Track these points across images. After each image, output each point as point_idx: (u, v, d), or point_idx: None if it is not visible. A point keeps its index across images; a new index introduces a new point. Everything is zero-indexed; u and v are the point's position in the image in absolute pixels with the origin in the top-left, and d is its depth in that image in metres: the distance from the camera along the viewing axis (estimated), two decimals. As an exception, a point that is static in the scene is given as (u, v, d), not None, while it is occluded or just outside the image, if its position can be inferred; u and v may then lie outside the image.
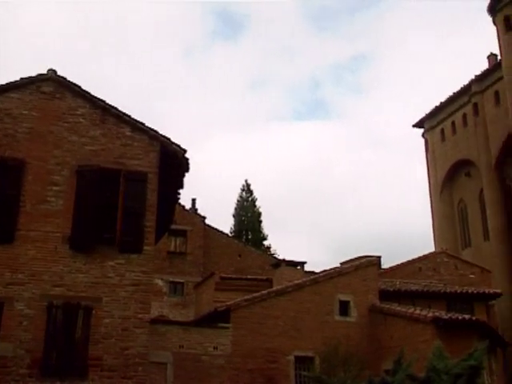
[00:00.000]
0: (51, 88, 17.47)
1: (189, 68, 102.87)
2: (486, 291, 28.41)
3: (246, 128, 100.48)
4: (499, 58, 38.16)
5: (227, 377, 20.20)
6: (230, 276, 28.69)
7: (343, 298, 22.86)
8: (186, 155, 17.68)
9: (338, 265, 27.71)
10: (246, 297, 22.05)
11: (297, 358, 21.35)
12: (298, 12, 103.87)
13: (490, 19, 37.30)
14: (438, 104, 45.66)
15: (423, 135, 48.21)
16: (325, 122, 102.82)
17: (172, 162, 17.68)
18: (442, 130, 45.61)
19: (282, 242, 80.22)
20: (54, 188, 16.67)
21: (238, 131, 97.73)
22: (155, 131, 17.62)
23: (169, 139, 17.62)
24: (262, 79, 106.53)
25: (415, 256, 31.27)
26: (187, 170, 18.07)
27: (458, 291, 27.20)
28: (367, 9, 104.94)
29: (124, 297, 16.12)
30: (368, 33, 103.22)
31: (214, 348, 20.36)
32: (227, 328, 20.82)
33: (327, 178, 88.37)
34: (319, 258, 73.41)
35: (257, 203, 48.15)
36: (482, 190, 41.00)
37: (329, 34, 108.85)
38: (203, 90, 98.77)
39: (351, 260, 26.98)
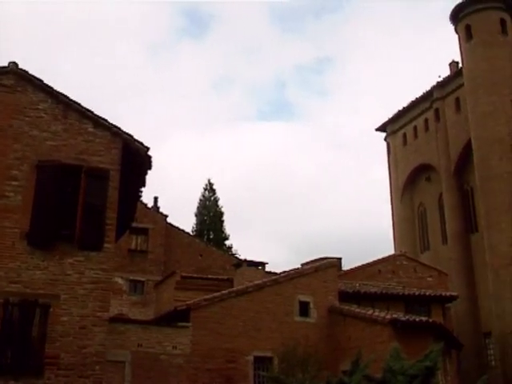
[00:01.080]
0: (12, 81, 17.13)
1: (154, 66, 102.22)
2: (443, 294, 28.90)
3: (210, 127, 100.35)
4: (460, 65, 38.88)
5: (186, 376, 20.13)
6: (190, 275, 28.57)
7: (303, 298, 22.99)
8: (149, 153, 17.53)
9: (299, 266, 27.88)
10: (206, 296, 22.00)
11: (256, 358, 21.39)
12: (264, 13, 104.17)
13: (452, 27, 37.98)
14: (400, 109, 46.36)
15: (385, 139, 48.84)
16: (289, 123, 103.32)
17: (134, 159, 17.52)
18: (404, 135, 46.28)
19: (244, 242, 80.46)
20: (13, 183, 16.36)
21: (202, 130, 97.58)
22: (118, 128, 17.43)
23: (131, 136, 17.45)
24: (227, 79, 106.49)
25: (375, 258, 31.66)
26: (149, 167, 17.93)
27: (416, 293, 27.62)
28: (333, 12, 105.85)
29: (83, 295, 15.90)
30: (333, 36, 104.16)
31: (173, 347, 20.26)
32: (187, 327, 20.75)
33: (290, 179, 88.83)
34: (281, 259, 73.85)
35: (219, 203, 48.09)
36: (441, 195, 41.72)
37: (294, 35, 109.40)
38: (168, 88, 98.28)
39: (312, 261, 27.17)
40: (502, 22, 36.08)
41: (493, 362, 34.40)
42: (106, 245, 16.50)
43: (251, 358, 21.34)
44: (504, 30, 35.96)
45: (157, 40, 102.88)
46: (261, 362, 21.39)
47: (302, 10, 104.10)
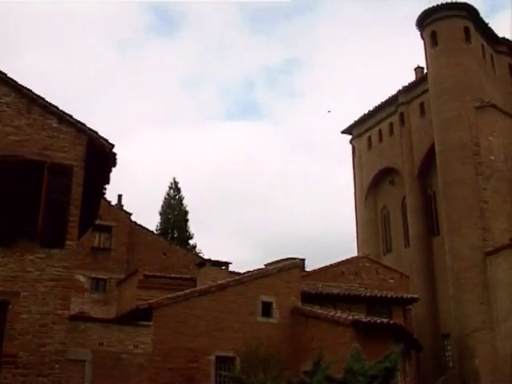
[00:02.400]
0: (-26, 74, 16.84)
1: (122, 63, 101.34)
2: (404, 296, 29.29)
3: (177, 125, 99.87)
4: (425, 71, 39.42)
5: (147, 376, 20.01)
6: (153, 274, 28.42)
7: (266, 299, 23.05)
8: (114, 150, 17.37)
9: (263, 266, 27.95)
10: (168, 295, 21.90)
11: (218, 358, 21.38)
12: (234, 13, 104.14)
13: (418, 33, 38.46)
14: (366, 112, 46.81)
15: (351, 142, 49.24)
16: (256, 124, 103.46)
17: (99, 156, 17.33)
18: (369, 138, 46.73)
19: (208, 241, 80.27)
20: (-26, 178, 16.05)
21: (169, 128, 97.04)
22: (83, 124, 17.23)
23: (96, 133, 17.27)
24: (195, 78, 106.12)
25: (339, 260, 31.94)
26: (114, 165, 17.77)
27: (378, 295, 27.95)
28: (303, 14, 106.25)
29: (43, 292, 15.66)
30: (303, 37, 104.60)
31: (135, 346, 20.13)
32: (149, 326, 20.63)
33: (256, 179, 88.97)
34: (245, 259, 73.75)
35: (184, 202, 47.97)
36: (404, 198, 42.25)
37: (264, 36, 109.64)
38: (136, 86, 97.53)
39: (275, 262, 27.27)
40: (466, 30, 36.65)
41: (450, 363, 34.97)
42: (68, 242, 16.28)
43: (213, 357, 21.32)
44: (468, 38, 36.56)
45: (126, 37, 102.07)
46: (223, 362, 21.38)
47: (272, 11, 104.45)
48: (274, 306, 23.11)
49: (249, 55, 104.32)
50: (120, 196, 36.98)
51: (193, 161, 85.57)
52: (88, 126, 17.28)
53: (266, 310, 22.98)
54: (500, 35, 39.74)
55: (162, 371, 20.34)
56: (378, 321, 21.75)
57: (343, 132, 49.83)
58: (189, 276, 28.35)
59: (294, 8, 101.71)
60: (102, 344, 19.60)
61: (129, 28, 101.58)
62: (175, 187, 48.18)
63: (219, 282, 23.32)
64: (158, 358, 20.38)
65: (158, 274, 29.02)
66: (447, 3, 36.99)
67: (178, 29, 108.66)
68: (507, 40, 40.00)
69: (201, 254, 41.03)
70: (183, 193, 48.38)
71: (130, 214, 35.34)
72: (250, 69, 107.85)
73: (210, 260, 27.86)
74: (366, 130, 47.05)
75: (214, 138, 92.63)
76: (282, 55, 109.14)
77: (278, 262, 27.09)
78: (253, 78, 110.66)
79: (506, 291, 30.11)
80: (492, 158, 34.48)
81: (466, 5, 36.99)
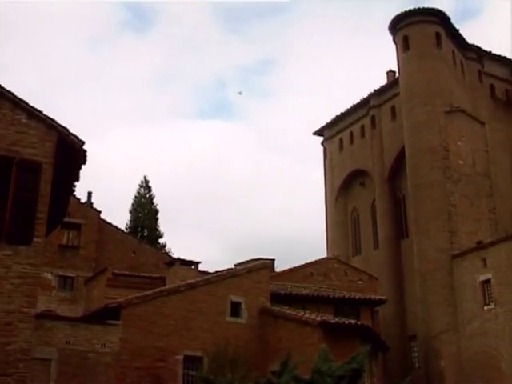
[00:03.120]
0: None
1: (94, 58, 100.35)
2: (372, 297, 29.58)
3: (149, 123, 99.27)
4: (397, 74, 39.80)
5: (113, 375, 19.86)
6: (122, 272, 28.22)
7: (235, 299, 23.07)
8: (84, 147, 17.22)
9: (233, 266, 27.96)
10: (137, 294, 21.78)
11: (186, 358, 21.34)
12: (208, 12, 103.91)
13: (390, 37, 38.81)
14: (338, 114, 47.08)
15: (322, 143, 49.49)
16: (228, 123, 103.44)
17: (69, 153, 17.16)
18: (341, 140, 47.02)
19: (179, 240, 79.80)
20: None
21: (140, 126, 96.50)
22: (53, 120, 17.03)
23: (67, 129, 17.09)
24: (168, 75, 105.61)
25: (308, 261, 32.07)
26: (84, 162, 17.60)
27: (346, 296, 28.17)
28: (276, 15, 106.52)
29: (9, 290, 15.45)
30: (276, 38, 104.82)
31: (102, 345, 19.96)
32: (116, 325, 20.48)
33: (228, 179, 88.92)
34: (216, 258, 73.74)
35: (154, 200, 47.70)
36: (374, 200, 42.61)
37: (238, 36, 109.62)
38: (108, 82, 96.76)
39: (245, 262, 27.31)
40: (438, 36, 37.09)
41: (416, 364, 35.37)
42: (35, 239, 16.09)
43: (181, 357, 21.27)
44: (439, 44, 37.00)
45: (98, 32, 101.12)
46: (191, 362, 21.34)
47: (245, 11, 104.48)
48: (243, 306, 23.14)
49: (222, 54, 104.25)
50: (90, 193, 36.67)
51: (164, 159, 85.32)
52: (58, 122, 17.10)
53: (235, 310, 23.00)
54: (470, 42, 40.30)
55: (130, 370, 20.22)
56: (346, 322, 21.92)
57: (315, 134, 50.06)
58: (158, 275, 28.21)
59: (268, 8, 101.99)
60: (69, 343, 19.40)
61: (101, 23, 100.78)
62: (146, 185, 47.91)
63: (188, 281, 23.27)
64: (125, 357, 20.25)
65: (127, 272, 28.81)
66: (419, 9, 37.42)
67: (151, 25, 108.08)
68: (476, 47, 40.60)
69: (170, 253, 40.87)
70: (154, 191, 48.15)
71: (100, 212, 35.04)
72: (222, 68, 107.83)
73: (179, 259, 27.78)
74: (338, 132, 47.33)
75: (185, 137, 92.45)
76: (255, 55, 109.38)
77: (247, 262, 27.14)
78: (225, 77, 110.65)
79: (471, 294, 30.57)
80: (460, 162, 34.97)
81: (437, 11, 37.47)
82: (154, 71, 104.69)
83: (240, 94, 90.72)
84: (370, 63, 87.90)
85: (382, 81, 44.31)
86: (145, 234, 45.29)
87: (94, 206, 35.82)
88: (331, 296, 27.67)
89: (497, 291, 29.20)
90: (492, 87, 41.39)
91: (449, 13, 38.08)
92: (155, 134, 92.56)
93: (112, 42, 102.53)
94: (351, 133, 46.05)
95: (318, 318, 21.35)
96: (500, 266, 29.19)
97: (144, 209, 46.89)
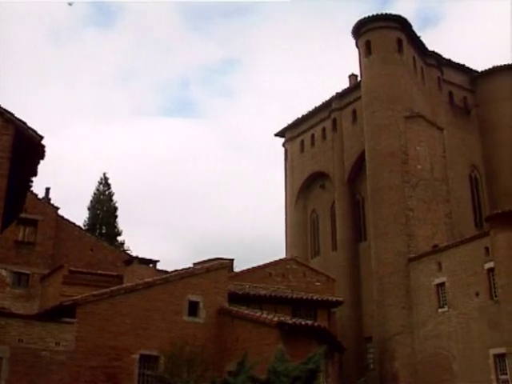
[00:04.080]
0: None
1: (56, 52, 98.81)
2: (329, 299, 29.83)
3: (110, 119, 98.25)
4: (359, 78, 40.21)
5: (67, 374, 19.58)
6: (79, 270, 27.88)
7: (193, 298, 22.99)
8: (43, 142, 16.94)
9: (191, 265, 27.88)
10: (94, 292, 21.53)
11: (142, 357, 21.18)
12: (173, 10, 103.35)
13: (354, 41, 39.19)
14: (299, 116, 47.35)
15: (284, 145, 49.69)
16: (191, 121, 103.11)
17: (27, 147, 16.85)
18: (302, 142, 47.29)
19: (137, 238, 79.21)
20: None
21: (101, 122, 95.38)
22: (10, 114, 16.70)
23: (25, 123, 16.78)
24: (131, 72, 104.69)
25: (267, 261, 32.14)
26: (42, 157, 17.31)
27: (304, 297, 28.35)
28: (241, 15, 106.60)
29: (-39, 286, 15.13)
30: (240, 38, 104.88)
31: (57, 344, 19.67)
32: (72, 323, 20.21)
33: (190, 177, 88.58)
34: (175, 257, 73.46)
35: (114, 197, 47.20)
36: (334, 202, 42.96)
37: (202, 35, 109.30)
38: (68, 76, 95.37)
39: (204, 261, 27.26)
40: (399, 42, 37.63)
41: (371, 365, 35.80)
42: (-10, 235, 15.78)
43: (137, 356, 21.09)
44: (400, 50, 37.53)
45: (59, 26, 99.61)
46: (147, 361, 21.20)
47: (210, 10, 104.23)
48: (201, 305, 23.08)
49: (185, 53, 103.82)
50: (48, 189, 36.05)
51: (125, 156, 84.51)
52: (16, 116, 16.77)
53: (193, 309, 22.93)
54: (430, 49, 40.97)
55: (84, 369, 19.97)
56: (303, 322, 22.05)
57: (276, 135, 50.25)
58: (115, 273, 27.97)
59: (233, 8, 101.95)
60: (22, 341, 19.06)
61: (63, 17, 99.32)
62: (105, 182, 47.36)
63: (146, 280, 23.10)
64: (80, 355, 19.99)
65: (84, 270, 28.49)
66: (382, 14, 37.90)
67: (114, 21, 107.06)
68: (437, 54, 41.32)
69: (129, 251, 40.50)
70: (113, 188, 47.64)
71: (58, 208, 34.50)
72: (186, 66, 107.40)
73: (137, 257, 27.57)
74: (299, 134, 47.60)
75: (147, 134, 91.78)
76: (218, 55, 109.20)
77: (206, 261, 27.10)
78: (189, 75, 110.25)
79: (426, 296, 31.09)
80: (419, 167, 35.51)
81: (399, 17, 37.99)
82: (117, 67, 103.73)
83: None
84: (333, 66, 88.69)
85: (345, 84, 44.82)
86: (103, 232, 44.78)
87: (52, 202, 35.25)
88: (289, 297, 27.81)
89: (451, 294, 29.77)
90: (451, 94, 42.23)
91: (410, 20, 38.72)
92: (117, 130, 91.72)
93: (74, 36, 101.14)
94: (312, 135, 46.35)
95: (275, 319, 21.43)
96: (454, 269, 29.76)
97: (103, 206, 46.36)
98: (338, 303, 30.54)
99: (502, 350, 26.28)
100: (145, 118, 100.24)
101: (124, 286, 23.15)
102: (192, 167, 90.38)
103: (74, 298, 21.09)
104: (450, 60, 42.34)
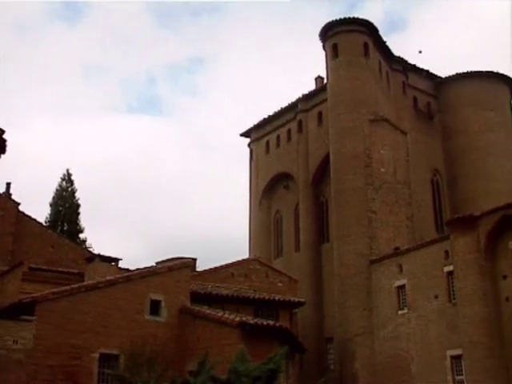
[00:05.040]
0: None
1: (21, 46, 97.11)
2: (291, 299, 29.99)
3: (75, 115, 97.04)
4: (325, 81, 40.47)
5: (24, 373, 19.27)
6: (39, 267, 27.46)
7: (155, 297, 22.88)
8: (4, 136, 16.69)
9: (154, 264, 27.74)
10: (54, 290, 21.27)
11: (102, 356, 20.99)
12: (141, 7, 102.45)
13: (321, 44, 39.42)
14: (265, 117, 47.47)
15: (249, 145, 49.76)
16: (157, 119, 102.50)
17: (-12, 142, 16.60)
18: (267, 142, 47.43)
19: (100, 236, 78.53)
20: None
21: (66, 118, 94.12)
22: (-28, 107, 16.42)
23: (-14, 117, 16.52)
24: (97, 68, 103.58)
25: (230, 261, 32.17)
26: (3, 151, 17.08)
27: (266, 298, 28.46)
28: (210, 14, 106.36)
29: None
30: (208, 37, 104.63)
31: (14, 342, 19.35)
32: (30, 321, 19.91)
33: (155, 175, 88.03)
34: (138, 256, 72.92)
35: (77, 194, 46.63)
36: (297, 204, 43.17)
37: (170, 32, 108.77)
38: (33, 71, 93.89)
39: (167, 260, 27.15)
40: (366, 46, 37.97)
41: (332, 366, 36.08)
42: None
43: (97, 355, 20.90)
44: (367, 54, 37.89)
45: (24, 19, 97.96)
46: (107, 360, 21.03)
47: (179, 9, 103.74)
48: (163, 304, 22.98)
49: (153, 50, 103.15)
50: (8, 184, 35.43)
51: (89, 153, 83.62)
52: (-23, 109, 16.47)
53: (155, 308, 22.81)
54: (396, 54, 41.47)
55: (42, 368, 19.70)
56: (265, 323, 22.12)
57: (242, 135, 50.29)
58: (77, 271, 27.64)
59: (202, 7, 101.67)
60: (-22, 339, 18.72)
61: (28, 10, 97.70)
62: (68, 179, 46.75)
63: (108, 278, 22.92)
64: (38, 354, 19.71)
65: (45, 267, 28.07)
66: (349, 18, 38.22)
67: (81, 16, 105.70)
68: (402, 59, 41.84)
69: (91, 249, 40.09)
70: (77, 185, 47.06)
71: (19, 204, 33.94)
72: (153, 64, 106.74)
73: (99, 255, 27.34)
74: (265, 135, 47.72)
75: (113, 131, 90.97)
76: (186, 53, 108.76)
77: (169, 260, 27.00)
78: (155, 73, 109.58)
79: (387, 298, 31.47)
80: (382, 170, 35.90)
81: (366, 21, 38.35)
82: (83, 63, 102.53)
83: None
84: (300, 68, 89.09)
85: (311, 86, 45.07)
86: (65, 229, 44.20)
87: (13, 197, 34.68)
88: (251, 297, 27.87)
89: (410, 296, 30.19)
90: (415, 99, 42.83)
91: (378, 24, 39.18)
92: (81, 126, 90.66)
93: (40, 30, 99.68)
94: (278, 136, 46.53)
95: (237, 319, 21.46)
96: (415, 272, 30.19)
97: (65, 203, 45.75)
98: (299, 304, 30.72)
99: (458, 352, 26.77)
100: (110, 115, 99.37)
101: (85, 283, 22.92)
102: (157, 165, 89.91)
103: (34, 295, 20.78)
104: (414, 65, 42.93)
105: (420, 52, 44.55)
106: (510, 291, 25.40)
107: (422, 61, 53.42)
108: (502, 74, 44.16)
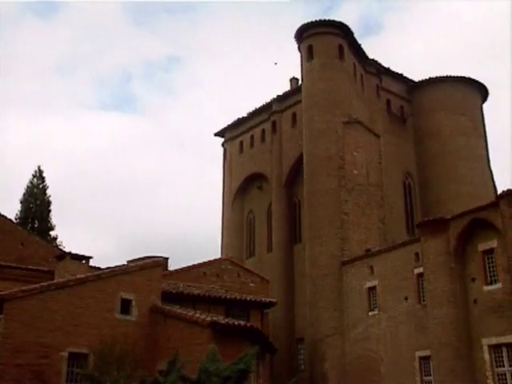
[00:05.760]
0: None
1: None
2: (263, 300, 30.06)
3: (47, 111, 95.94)
4: (300, 82, 40.60)
5: (-9, 371, 19.04)
6: (8, 264, 27.09)
7: (125, 296, 22.77)
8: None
9: (125, 262, 27.58)
10: (23, 288, 21.03)
11: (71, 355, 20.83)
12: (117, 5, 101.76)
13: (296, 45, 39.52)
14: (240, 117, 47.50)
15: (223, 145, 49.73)
16: (131, 117, 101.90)
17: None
18: (241, 142, 47.47)
19: (72, 234, 77.69)
20: None
21: (37, 114, 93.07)
22: None
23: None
24: (71, 64, 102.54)
25: (202, 261, 32.12)
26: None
27: (238, 298, 28.48)
28: (187, 13, 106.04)
29: None
30: (184, 36, 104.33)
31: (-19, 340, 19.10)
32: (-2, 319, 19.68)
33: (127, 174, 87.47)
34: (110, 254, 72.42)
35: (48, 191, 46.14)
36: (270, 204, 43.26)
37: (147, 30, 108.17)
38: (4, 65, 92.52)
39: (138, 259, 27.02)
40: (341, 48, 38.13)
41: (302, 366, 36.20)
42: None
43: (66, 354, 20.73)
44: (341, 56, 38.05)
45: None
46: (76, 359, 20.88)
47: (155, 6, 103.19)
48: (134, 303, 22.88)
49: (129, 48, 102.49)
50: (-23, 180, 34.97)
51: (62, 150, 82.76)
52: None
53: (125, 307, 22.69)
54: (370, 57, 41.77)
55: (10, 367, 19.46)
56: (236, 323, 22.14)
57: (216, 134, 50.25)
58: (46, 268, 27.34)
59: (179, 5, 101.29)
60: None
61: (2, 4, 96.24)
62: (39, 175, 46.26)
63: (78, 276, 22.73)
64: (6, 353, 19.48)
65: (14, 264, 27.71)
66: (325, 20, 38.35)
67: (56, 12, 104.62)
68: (376, 62, 42.15)
69: (62, 247, 39.71)
70: (48, 182, 46.57)
71: (-13, 200, 33.50)
72: (129, 61, 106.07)
73: (70, 253, 27.11)
74: (239, 135, 47.74)
75: (86, 127, 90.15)
76: (162, 51, 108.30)
77: (140, 259, 26.86)
78: (131, 70, 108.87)
79: (358, 299, 31.67)
80: (355, 172, 36.10)
81: (341, 24, 38.51)
82: (57, 59, 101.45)
83: None
84: (276, 69, 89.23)
85: (286, 87, 45.19)
86: (35, 226, 43.71)
87: (-18, 193, 34.22)
88: (222, 297, 27.86)
89: (381, 298, 30.41)
90: (388, 102, 43.19)
91: (353, 26, 39.42)
92: (54, 123, 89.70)
93: (12, 24, 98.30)
94: (252, 136, 46.59)
95: (208, 318, 21.44)
96: (385, 273, 30.42)
97: (36, 199, 45.25)
98: (271, 304, 30.79)
99: (427, 353, 27.04)
100: (83, 112, 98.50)
101: (55, 281, 22.70)
102: (130, 163, 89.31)
103: (2, 293, 20.52)
104: (388, 68, 43.28)
105: None
106: (478, 293, 25.73)
107: (396, 64, 53.98)
108: (474, 80, 44.76)
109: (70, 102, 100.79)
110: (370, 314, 30.86)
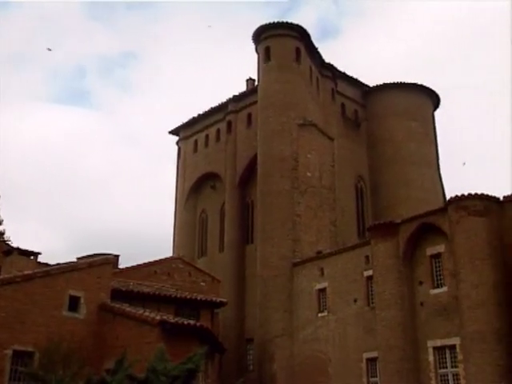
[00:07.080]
0: None
1: None
2: (213, 299, 30.04)
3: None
4: (256, 83, 40.72)
5: None
6: (-48, 259, 26.44)
7: (74, 293, 22.45)
8: None
9: (75, 259, 27.19)
10: (-33, 283, 20.52)
11: (15, 353, 20.43)
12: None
13: (254, 46, 39.60)
14: (195, 115, 47.32)
15: (177, 143, 49.48)
16: (84, 112, 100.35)
17: None
18: (196, 141, 47.31)
19: (20, 229, 76.06)
20: None
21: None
22: None
23: None
24: (23, 57, 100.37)
25: (153, 259, 31.88)
26: None
27: (188, 297, 28.39)
28: (145, 9, 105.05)
29: None
30: (141, 32, 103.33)
31: None
32: None
33: (79, 169, 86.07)
34: (60, 251, 71.17)
35: (-4, 185, 45.15)
36: (223, 204, 43.22)
37: (103, 25, 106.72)
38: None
39: (88, 256, 26.67)
40: (297, 51, 38.36)
41: (251, 367, 36.27)
42: None
43: (10, 351, 20.32)
44: (298, 59, 38.28)
45: None
46: (21, 357, 20.47)
47: (114, 1, 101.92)
48: (82, 301, 22.57)
49: (84, 42, 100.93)
50: None
51: (10, 143, 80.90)
52: None
53: (73, 304, 22.37)
54: (326, 61, 42.15)
55: (-49, 364, 18.96)
56: (185, 322, 22.08)
57: (170, 132, 49.99)
58: (-8, 264, 26.75)
59: (138, 1, 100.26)
60: None
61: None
62: (-13, 169, 45.24)
63: (26, 272, 22.31)
64: None
65: (-42, 259, 27.03)
66: (282, 23, 38.54)
67: (9, 3, 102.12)
68: (332, 66, 42.57)
69: (9, 242, 38.82)
70: (-4, 176, 45.59)
71: None
72: (83, 56, 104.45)
73: (18, 248, 26.56)
74: (193, 134, 47.58)
75: (38, 121, 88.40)
76: (118, 47, 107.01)
77: (90, 256, 26.53)
78: (86, 65, 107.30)
79: (307, 301, 31.91)
80: (308, 174, 36.37)
81: (299, 27, 38.76)
82: (8, 51, 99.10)
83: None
84: (232, 68, 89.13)
85: (242, 87, 45.23)
86: (-18, 220, 42.63)
87: None
88: (172, 296, 27.73)
89: (331, 299, 30.72)
90: (343, 106, 43.70)
91: (311, 29, 39.68)
92: (5, 115, 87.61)
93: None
94: (207, 135, 46.49)
95: (158, 317, 21.32)
96: (335, 275, 30.74)
97: (-17, 193, 44.16)
98: (221, 304, 30.79)
99: (374, 354, 27.43)
100: (35, 105, 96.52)
101: (0, 277, 22.21)
102: (82, 159, 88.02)
103: None
104: (344, 73, 43.75)
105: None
106: (424, 296, 26.24)
107: (351, 69, 54.65)
108: (427, 87, 45.68)
109: (23, 94, 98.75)
110: (320, 315, 31.12)
